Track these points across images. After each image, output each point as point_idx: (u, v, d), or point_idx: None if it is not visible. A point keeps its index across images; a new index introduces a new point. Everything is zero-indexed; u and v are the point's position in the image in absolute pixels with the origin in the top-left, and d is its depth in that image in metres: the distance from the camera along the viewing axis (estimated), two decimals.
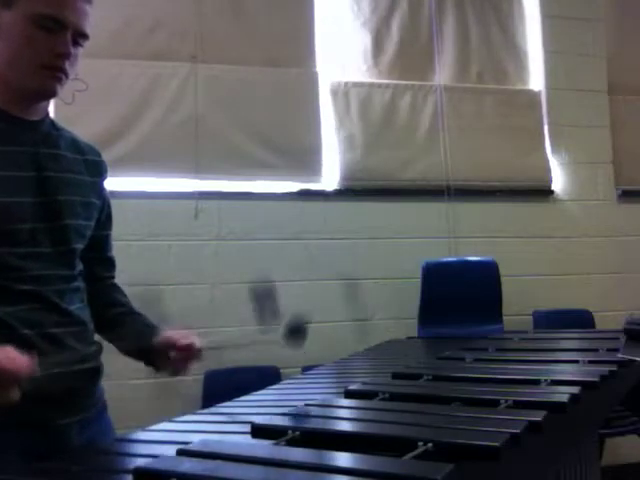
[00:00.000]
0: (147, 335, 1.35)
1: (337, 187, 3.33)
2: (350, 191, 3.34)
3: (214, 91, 3.17)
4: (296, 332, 1.26)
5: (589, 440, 1.49)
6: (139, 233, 2.99)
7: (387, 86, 3.46)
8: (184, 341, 1.33)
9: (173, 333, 1.34)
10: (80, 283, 1.27)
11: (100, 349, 1.29)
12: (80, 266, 1.27)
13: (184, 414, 1.27)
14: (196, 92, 3.14)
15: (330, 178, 3.33)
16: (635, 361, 1.47)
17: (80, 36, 1.18)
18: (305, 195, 3.27)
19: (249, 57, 3.25)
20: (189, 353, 1.33)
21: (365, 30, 3.47)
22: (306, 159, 3.27)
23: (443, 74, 3.56)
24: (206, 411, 1.34)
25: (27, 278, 1.14)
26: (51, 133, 1.26)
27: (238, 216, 3.15)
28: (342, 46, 3.44)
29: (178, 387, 2.91)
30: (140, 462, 0.78)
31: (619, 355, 1.50)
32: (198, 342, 1.34)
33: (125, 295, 1.45)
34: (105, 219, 1.38)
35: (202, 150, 3.12)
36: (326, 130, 3.34)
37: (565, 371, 1.37)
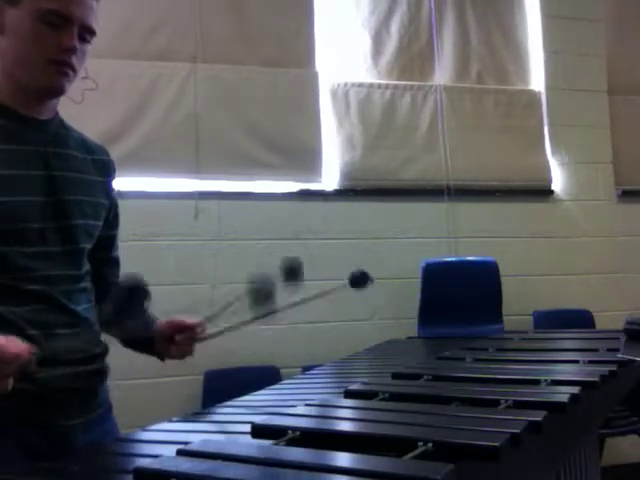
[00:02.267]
0: (148, 322, 1.37)
1: (337, 187, 3.33)
2: (350, 191, 3.34)
3: (214, 91, 3.17)
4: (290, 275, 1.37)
5: (589, 440, 1.49)
6: (139, 233, 2.99)
7: (387, 86, 3.46)
8: (188, 322, 1.36)
9: (175, 317, 1.37)
10: (87, 283, 1.27)
11: (106, 350, 1.29)
12: (87, 266, 1.27)
13: (184, 414, 1.27)
14: (196, 92, 3.14)
15: (330, 178, 3.33)
16: (635, 361, 1.47)
17: (87, 31, 1.17)
18: (305, 195, 3.27)
19: (249, 57, 3.25)
20: (194, 333, 1.35)
21: (365, 30, 3.47)
22: (306, 159, 3.27)
23: (443, 74, 3.56)
24: (206, 411, 1.34)
25: (35, 278, 1.13)
26: (60, 132, 1.26)
27: (238, 216, 3.15)
28: (342, 46, 3.44)
29: (178, 387, 2.92)
30: (140, 462, 0.78)
31: (619, 355, 1.49)
32: (201, 324, 1.37)
33: None
34: (112, 219, 1.37)
35: (202, 150, 3.12)
36: (326, 130, 3.34)
37: (565, 371, 1.37)
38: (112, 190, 1.36)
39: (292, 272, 1.41)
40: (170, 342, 1.36)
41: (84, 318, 1.21)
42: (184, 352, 1.37)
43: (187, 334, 1.36)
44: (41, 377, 1.06)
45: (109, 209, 1.34)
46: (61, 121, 1.28)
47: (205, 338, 1.37)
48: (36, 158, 1.18)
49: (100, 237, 1.30)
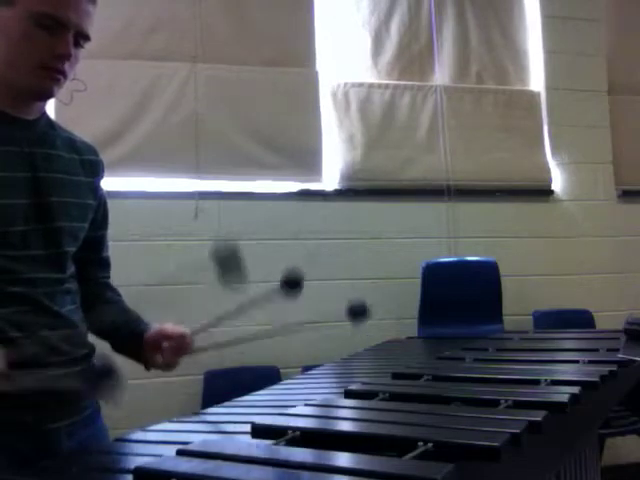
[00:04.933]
0: (138, 328, 1.35)
1: (337, 187, 3.33)
2: (350, 191, 3.34)
3: (214, 91, 3.17)
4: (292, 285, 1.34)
5: (589, 440, 1.49)
6: (139, 233, 2.99)
7: (387, 86, 3.46)
8: (177, 331, 1.34)
9: (165, 325, 1.35)
10: (72, 285, 1.24)
11: (92, 351, 1.27)
12: (72, 268, 1.25)
13: (184, 414, 1.27)
14: (196, 92, 3.14)
15: (330, 178, 3.33)
16: (635, 361, 1.47)
17: (81, 37, 1.15)
18: (305, 195, 3.27)
19: (249, 57, 3.25)
20: (181, 344, 1.33)
21: (365, 30, 3.47)
22: (306, 159, 3.27)
23: (443, 74, 3.56)
24: (206, 411, 1.34)
25: (18, 280, 1.11)
26: (47, 133, 1.23)
27: (238, 216, 3.15)
28: (342, 46, 3.44)
29: (178, 387, 2.92)
30: (140, 462, 0.78)
31: (619, 355, 1.50)
32: (189, 335, 1.35)
33: (119, 294, 1.43)
34: (101, 219, 1.35)
35: (202, 150, 3.12)
36: (326, 130, 3.34)
37: (565, 371, 1.37)
38: (100, 190, 1.33)
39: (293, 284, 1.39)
40: (157, 350, 1.33)
41: (68, 320, 1.19)
42: (168, 363, 1.34)
43: (174, 343, 1.33)
44: (22, 379, 1.02)
45: (96, 210, 1.31)
46: (48, 120, 1.25)
47: (191, 351, 1.35)
48: (22, 159, 1.15)
49: (88, 237, 1.28)
